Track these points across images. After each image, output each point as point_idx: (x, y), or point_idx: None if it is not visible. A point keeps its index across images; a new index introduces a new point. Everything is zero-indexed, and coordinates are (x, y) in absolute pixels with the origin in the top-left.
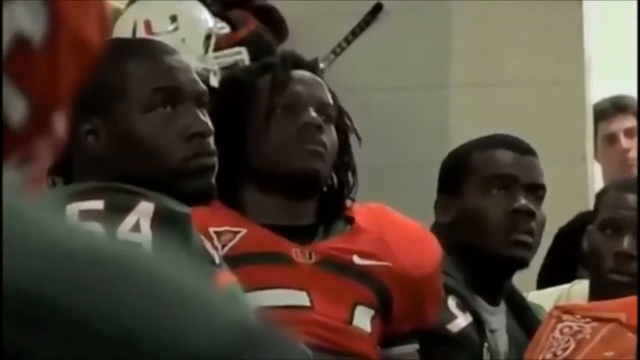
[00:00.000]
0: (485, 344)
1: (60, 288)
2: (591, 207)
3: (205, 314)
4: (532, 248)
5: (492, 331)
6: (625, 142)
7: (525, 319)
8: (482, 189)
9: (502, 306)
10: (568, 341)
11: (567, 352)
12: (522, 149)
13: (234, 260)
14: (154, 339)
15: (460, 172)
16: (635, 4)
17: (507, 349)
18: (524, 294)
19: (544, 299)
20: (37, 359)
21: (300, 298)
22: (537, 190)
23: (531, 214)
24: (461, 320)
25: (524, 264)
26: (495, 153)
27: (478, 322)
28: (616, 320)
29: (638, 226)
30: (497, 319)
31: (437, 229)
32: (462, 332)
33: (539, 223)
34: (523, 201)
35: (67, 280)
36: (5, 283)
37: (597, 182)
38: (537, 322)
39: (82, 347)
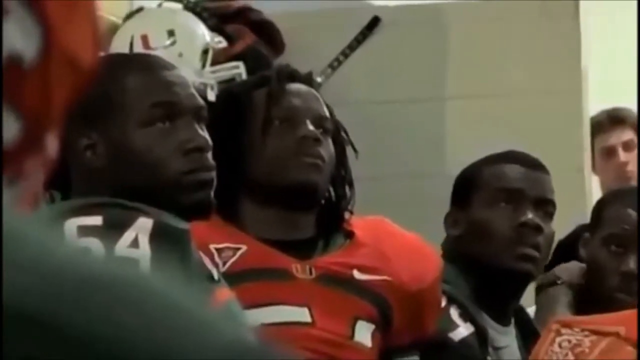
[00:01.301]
0: (488, 358)
1: (50, 305)
2: (588, 219)
3: (200, 332)
4: (538, 262)
5: (497, 348)
6: (623, 156)
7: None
8: (490, 203)
9: (512, 328)
10: (567, 354)
11: None
12: (532, 164)
13: (234, 277)
14: (150, 356)
15: (469, 185)
16: (632, 15)
17: None
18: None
19: None
20: None
21: (301, 314)
22: (546, 206)
23: (538, 229)
24: (463, 330)
25: (529, 277)
26: (504, 167)
27: (480, 335)
28: (615, 334)
29: (638, 237)
30: (506, 338)
31: (447, 242)
32: (463, 342)
33: (547, 238)
34: (530, 215)
35: (58, 297)
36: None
37: (595, 194)
38: None
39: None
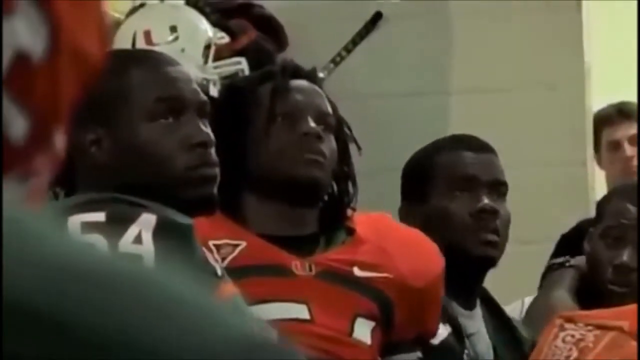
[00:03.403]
0: (466, 351)
1: (55, 301)
2: (591, 213)
3: (206, 326)
4: (499, 246)
5: (469, 335)
6: (629, 150)
7: (502, 325)
8: (445, 192)
9: (478, 310)
10: (570, 349)
11: None
12: (480, 147)
13: (233, 274)
14: (154, 352)
15: (422, 177)
16: (635, 9)
17: (487, 350)
18: (523, 299)
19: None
20: None
21: (300, 311)
22: (499, 188)
23: (495, 213)
24: (442, 331)
25: (493, 262)
26: (454, 155)
27: (457, 331)
28: (619, 328)
29: (638, 232)
30: (474, 323)
31: None
32: (444, 344)
33: (504, 220)
34: (486, 200)
35: (63, 293)
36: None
37: (599, 187)
38: (514, 328)
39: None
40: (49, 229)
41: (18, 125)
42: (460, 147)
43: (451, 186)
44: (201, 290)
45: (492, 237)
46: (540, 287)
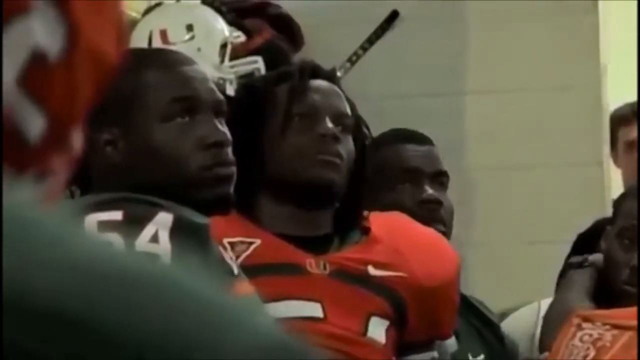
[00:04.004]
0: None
1: (85, 304)
2: (608, 213)
3: (231, 327)
4: (447, 235)
5: None
6: None
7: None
8: (391, 185)
9: None
10: (588, 349)
11: None
12: (421, 139)
13: (247, 272)
14: (185, 352)
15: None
16: None
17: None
18: (540, 302)
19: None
20: None
21: (313, 309)
22: (440, 178)
23: (439, 203)
24: None
25: None
26: (394, 148)
27: None
28: (636, 328)
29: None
30: None
31: None
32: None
33: (448, 210)
34: (430, 191)
35: (92, 296)
36: (24, 297)
37: (615, 187)
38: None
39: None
40: (71, 230)
41: (35, 124)
42: (402, 140)
43: (395, 179)
44: (221, 290)
45: (440, 227)
46: (558, 285)
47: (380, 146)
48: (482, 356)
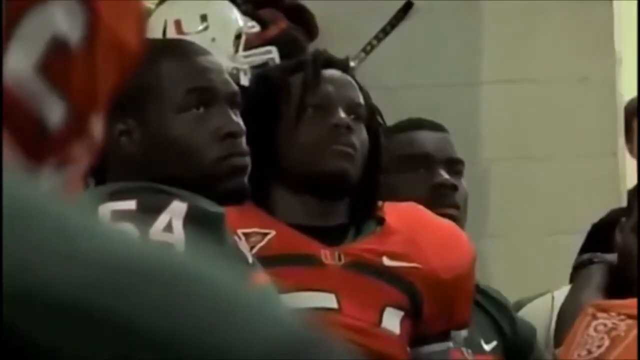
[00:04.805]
0: None
1: (113, 300)
2: (623, 204)
3: (249, 316)
4: (460, 221)
5: None
6: None
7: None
8: (404, 172)
9: None
10: (602, 338)
11: (602, 350)
12: (433, 127)
13: (262, 262)
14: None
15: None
16: None
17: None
18: (555, 291)
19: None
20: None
21: (328, 300)
22: (455, 166)
23: (454, 187)
24: None
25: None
26: (408, 135)
27: None
28: None
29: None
30: None
31: None
32: None
33: (462, 197)
34: (446, 176)
35: (119, 292)
36: (43, 290)
37: (631, 178)
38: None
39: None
40: (92, 222)
41: (56, 112)
42: (413, 127)
43: (407, 165)
44: (237, 280)
45: (453, 212)
46: (571, 279)
47: (394, 134)
48: (494, 342)
